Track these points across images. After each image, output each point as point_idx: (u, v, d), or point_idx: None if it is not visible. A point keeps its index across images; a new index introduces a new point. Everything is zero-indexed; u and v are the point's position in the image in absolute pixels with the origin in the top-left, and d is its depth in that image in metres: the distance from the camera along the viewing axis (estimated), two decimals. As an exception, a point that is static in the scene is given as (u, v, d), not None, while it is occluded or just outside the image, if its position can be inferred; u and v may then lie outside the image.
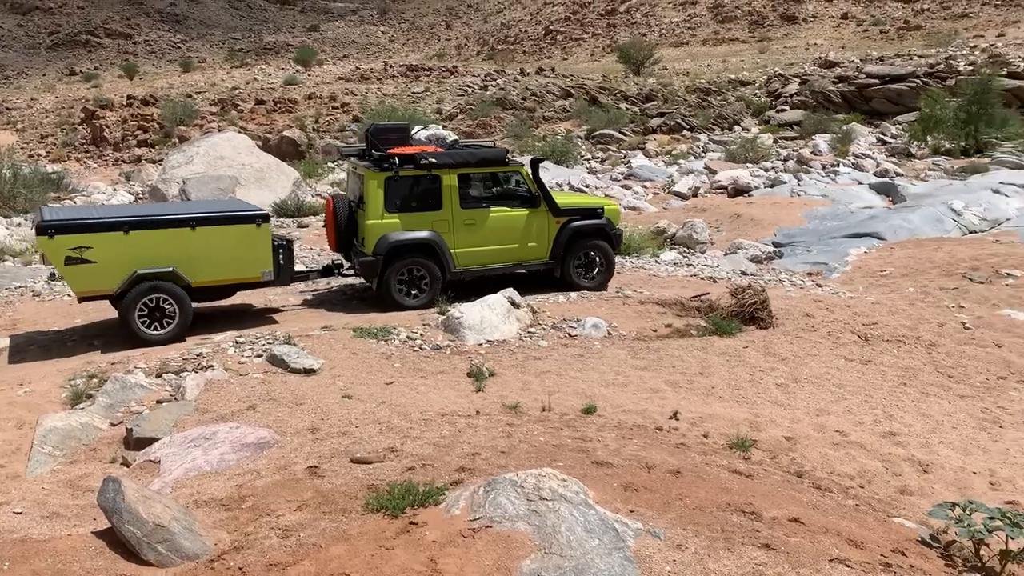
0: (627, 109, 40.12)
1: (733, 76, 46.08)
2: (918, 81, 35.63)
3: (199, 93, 47.64)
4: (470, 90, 44.35)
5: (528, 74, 48.62)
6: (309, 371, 7.55)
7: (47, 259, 9.00)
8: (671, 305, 10.51)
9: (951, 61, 39.21)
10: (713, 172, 24.92)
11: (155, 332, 9.14)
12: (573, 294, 10.99)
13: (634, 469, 5.25)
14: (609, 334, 9.27)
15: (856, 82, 37.70)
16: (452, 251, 10.47)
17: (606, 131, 35.33)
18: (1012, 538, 4.46)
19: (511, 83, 45.10)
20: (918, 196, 18.00)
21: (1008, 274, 12.15)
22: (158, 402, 6.82)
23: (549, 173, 23.39)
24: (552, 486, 4.38)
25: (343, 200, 10.94)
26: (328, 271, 11.18)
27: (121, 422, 6.47)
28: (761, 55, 60.91)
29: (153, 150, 36.64)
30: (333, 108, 41.71)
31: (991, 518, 4.54)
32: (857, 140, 30.15)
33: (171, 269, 9.17)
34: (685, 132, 36.49)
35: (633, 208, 20.57)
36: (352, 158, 11.30)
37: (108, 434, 6.33)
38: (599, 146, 34.14)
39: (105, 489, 4.45)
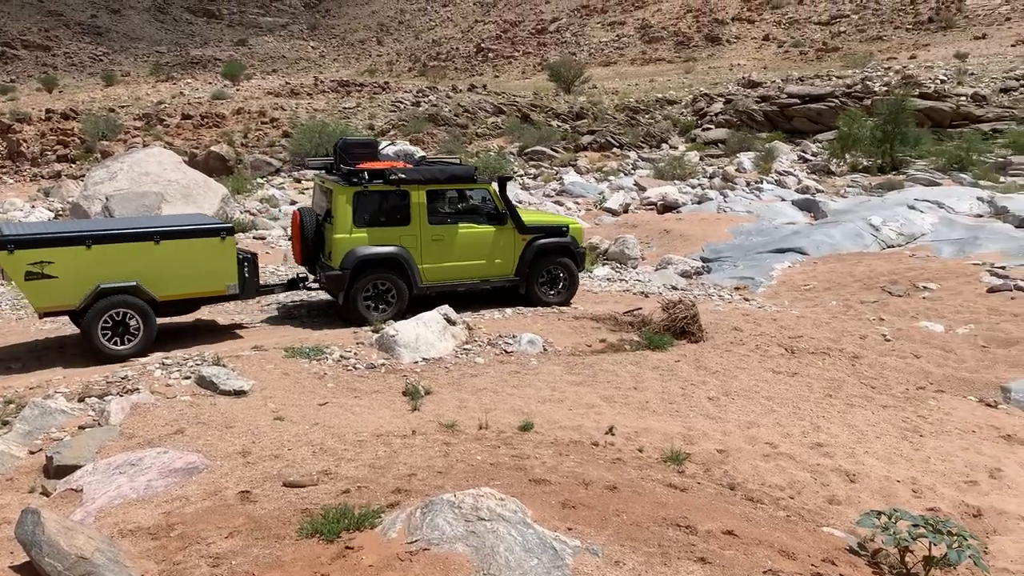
0: (558, 126, 40.56)
1: (660, 95, 47.05)
2: (836, 101, 36.96)
3: (123, 107, 46.33)
4: (402, 106, 44.23)
5: (460, 91, 48.76)
6: (239, 393, 7.38)
7: (6, 275, 8.81)
8: (605, 320, 10.62)
9: (867, 82, 40.84)
10: (643, 189, 25.35)
11: (119, 347, 9.01)
12: (508, 310, 11.02)
13: (572, 486, 5.27)
14: (545, 350, 9.31)
15: (778, 102, 38.91)
16: (419, 266, 10.52)
17: (538, 148, 35.63)
18: (934, 544, 4.62)
19: (443, 99, 45.15)
20: (838, 212, 18.62)
21: (924, 287, 12.65)
22: (80, 428, 6.57)
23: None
24: (490, 506, 4.37)
25: (310, 213, 10.82)
26: (293, 284, 11.12)
27: (40, 449, 6.21)
28: (687, 75, 62.42)
29: (74, 165, 35.41)
30: (262, 123, 41.05)
31: (915, 525, 4.70)
32: (779, 158, 31.07)
33: (135, 283, 9.07)
34: (615, 149, 37.05)
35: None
36: (319, 172, 11.26)
37: (26, 462, 6.06)
38: (531, 163, 34.40)
39: (23, 521, 4.25)
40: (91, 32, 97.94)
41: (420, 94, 47.13)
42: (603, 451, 6.37)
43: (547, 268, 11.33)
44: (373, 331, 9.42)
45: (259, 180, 30.26)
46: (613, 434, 6.72)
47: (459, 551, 4.08)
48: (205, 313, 10.91)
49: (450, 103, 43.99)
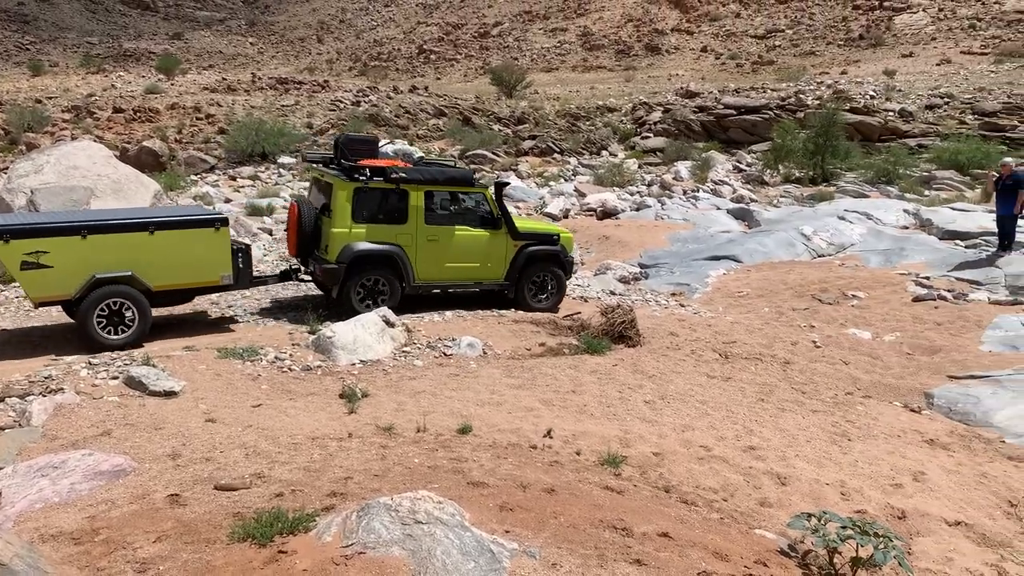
0: (500, 131, 40.61)
1: (601, 102, 47.52)
2: (771, 113, 37.82)
3: (51, 99, 44.73)
4: (342, 105, 43.71)
5: (401, 91, 48.44)
6: (170, 394, 7.19)
7: (1, 263, 8.84)
8: (544, 324, 10.67)
9: (800, 95, 41.92)
10: (583, 195, 25.55)
11: (114, 337, 9.06)
12: (449, 312, 10.98)
13: (509, 488, 5.26)
14: (485, 353, 9.30)
15: (715, 112, 39.64)
16: (413, 265, 10.68)
17: (480, 151, 35.61)
18: (862, 546, 4.74)
19: (384, 100, 44.79)
20: (771, 221, 19.06)
21: (853, 295, 13.03)
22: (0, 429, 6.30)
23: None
24: (427, 509, 4.33)
25: (308, 206, 10.84)
26: (286, 276, 11.18)
27: (-45, 452, 5.93)
28: (627, 83, 63.18)
29: (-5, 157, 34.06)
30: (197, 119, 40.08)
31: (843, 527, 4.82)
32: (715, 167, 31.66)
33: (130, 273, 9.13)
34: (556, 155, 37.26)
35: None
36: (317, 165, 11.34)
37: (-61, 466, 5.78)
38: (472, 166, 34.35)
39: (-64, 527, 4.05)
40: (17, 20, 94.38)
41: (360, 94, 46.68)
42: (541, 454, 6.38)
43: (537, 275, 11.53)
44: (309, 332, 9.28)
45: (193, 177, 29.55)
46: (551, 437, 6.75)
47: (395, 554, 4.04)
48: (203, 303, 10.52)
49: (391, 104, 43.67)
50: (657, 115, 42.04)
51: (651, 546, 4.50)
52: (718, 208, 22.36)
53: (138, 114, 40.57)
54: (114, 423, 6.43)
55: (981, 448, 7.78)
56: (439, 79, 76.65)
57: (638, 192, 27.12)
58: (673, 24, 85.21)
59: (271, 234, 17.52)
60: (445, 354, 9.09)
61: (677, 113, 41.03)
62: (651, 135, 39.71)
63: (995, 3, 75.27)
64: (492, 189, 11.41)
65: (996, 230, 14.86)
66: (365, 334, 8.83)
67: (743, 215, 20.67)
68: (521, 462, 6.04)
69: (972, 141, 30.62)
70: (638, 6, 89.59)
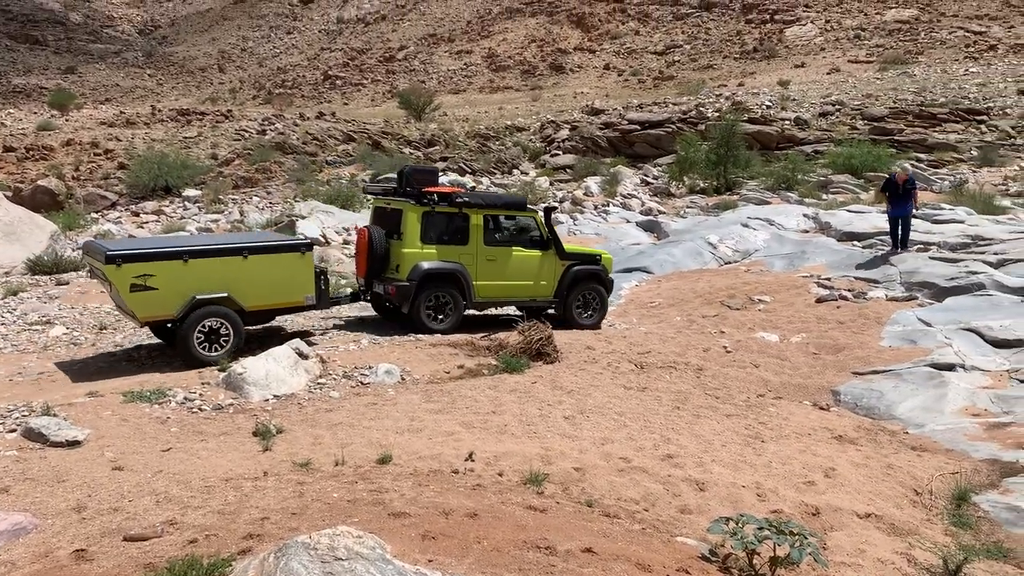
0: (411, 154, 40.52)
1: (510, 122, 47.98)
2: (673, 126, 38.89)
3: (-68, 140, 42.50)
4: (247, 134, 42.90)
5: (308, 118, 47.84)
6: (73, 443, 6.86)
7: (114, 287, 9.45)
8: (462, 346, 10.64)
9: (701, 108, 43.24)
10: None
11: (212, 354, 9.77)
12: (364, 340, 10.85)
13: (432, 516, 5.21)
14: (403, 379, 9.21)
15: (620, 128, 40.52)
16: (474, 283, 11.46)
17: (391, 175, 35.42)
18: (778, 545, 4.87)
19: (290, 127, 44.15)
20: (679, 232, 19.55)
21: (759, 300, 13.45)
22: None
23: (335, 217, 23.13)
24: (347, 544, 4.24)
25: (378, 231, 11.55)
26: (355, 297, 12.06)
27: None
28: (534, 103, 64.03)
29: None
30: (95, 155, 38.68)
31: (760, 528, 4.95)
32: (624, 182, 32.33)
33: (226, 294, 9.87)
34: (468, 176, 37.40)
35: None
36: (381, 196, 12.28)
37: None
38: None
39: None
40: None
41: (266, 122, 45.90)
42: (463, 478, 6.34)
43: (582, 292, 12.21)
44: (219, 370, 9.03)
45: (93, 215, 28.48)
46: (473, 460, 6.71)
47: (315, 594, 3.94)
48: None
49: (298, 131, 43.08)
50: (565, 133, 42.69)
51: (575, 563, 4.52)
52: (628, 221, 22.82)
53: (31, 152, 38.91)
54: (12, 479, 6.10)
55: (886, 440, 8.11)
56: (346, 104, 76.08)
57: (550, 209, 27.40)
58: (575, 43, 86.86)
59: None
60: (362, 383, 8.96)
61: (584, 130, 41.76)
62: (560, 152, 40.29)
63: (877, 14, 79.44)
64: (542, 213, 12.18)
65: (889, 230, 15.59)
66: (278, 368, 8.64)
67: (652, 227, 21.14)
68: (443, 488, 5.99)
69: (863, 146, 32.13)
70: (540, 27, 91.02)
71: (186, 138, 42.53)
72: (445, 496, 5.76)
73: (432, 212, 11.22)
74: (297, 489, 5.90)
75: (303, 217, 22.50)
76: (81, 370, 10.04)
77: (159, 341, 11.22)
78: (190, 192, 31.81)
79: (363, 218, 25.00)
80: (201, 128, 45.82)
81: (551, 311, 12.16)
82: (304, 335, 11.21)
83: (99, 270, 9.82)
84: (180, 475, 6.20)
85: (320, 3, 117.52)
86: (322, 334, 11.41)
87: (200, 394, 8.41)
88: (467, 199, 11.48)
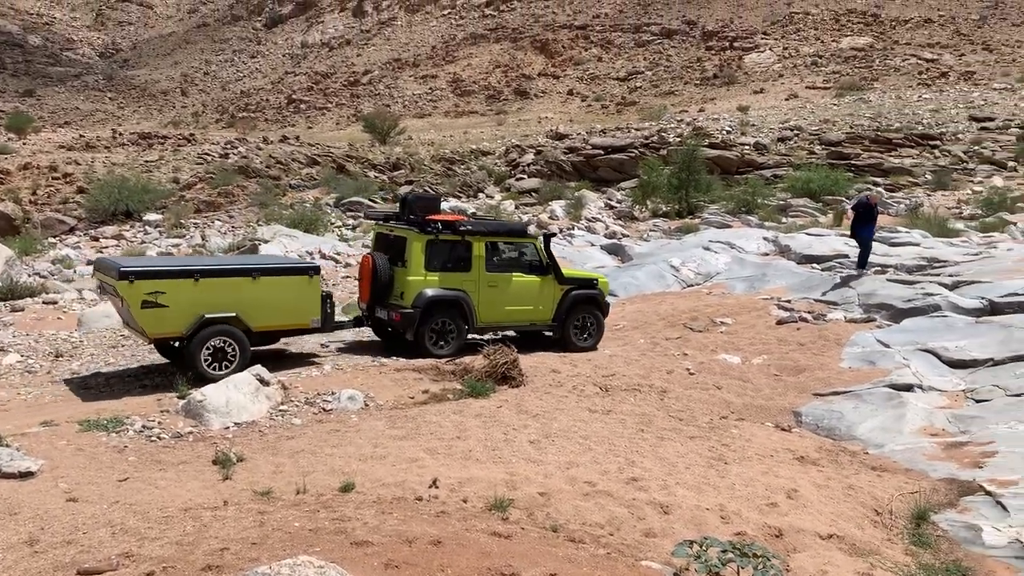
0: (375, 177, 40.48)
1: (475, 146, 48.21)
2: (636, 151, 39.35)
3: None
4: (210, 158, 42.55)
5: (272, 142, 47.62)
6: (26, 475, 6.68)
7: (125, 302, 9.54)
8: (427, 370, 10.59)
9: (663, 133, 43.85)
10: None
11: (218, 372, 9.81)
12: (327, 366, 10.75)
13: (395, 545, 5.15)
14: (366, 405, 9.13)
15: (584, 152, 40.89)
16: (476, 309, 11.62)
17: (356, 199, 35.34)
18: (742, 567, 4.88)
19: (254, 151, 43.88)
20: (642, 255, 19.71)
21: (721, 322, 13.58)
22: None
23: (299, 241, 22.96)
24: (308, 575, 4.18)
25: (383, 258, 11.68)
26: (359, 322, 12.16)
27: None
28: (499, 127, 64.45)
29: None
30: (54, 179, 38.04)
31: (724, 551, 4.95)
32: (588, 205, 32.57)
33: (234, 314, 10.01)
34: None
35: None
36: (386, 222, 12.35)
37: None
38: (349, 213, 34.04)
39: None
40: None
41: (229, 145, 45.59)
42: (427, 505, 6.28)
43: (579, 316, 12.40)
44: (179, 397, 8.88)
45: (51, 239, 27.97)
46: (437, 487, 6.66)
47: (275, 627, 3.86)
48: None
49: (261, 154, 42.83)
50: (530, 157, 42.97)
51: (539, 589, 4.50)
52: (593, 244, 22.95)
53: (-14, 176, 38.16)
54: (-39, 513, 5.92)
55: (847, 461, 8.21)
56: (310, 128, 75.92)
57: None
58: (540, 69, 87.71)
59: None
60: (325, 410, 8.86)
61: (548, 154, 42.07)
62: (525, 176, 40.51)
63: (833, 41, 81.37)
64: (542, 239, 12.39)
65: (848, 252, 15.87)
66: (238, 395, 8.51)
67: (616, 250, 21.29)
68: (407, 516, 5.93)
69: (821, 170, 32.77)
70: (505, 52, 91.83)
71: (147, 162, 42.06)
72: (409, 524, 5.70)
73: (436, 240, 11.37)
74: (258, 518, 5.79)
75: (266, 241, 22.30)
76: (35, 398, 9.81)
77: (117, 369, 11.02)
78: (151, 216, 31.41)
79: (326, 242, 24.89)
80: (163, 152, 45.37)
81: (554, 335, 12.38)
82: (310, 357, 11.47)
83: (110, 286, 9.93)
84: (137, 505, 6.07)
85: (284, 27, 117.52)
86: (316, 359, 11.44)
87: (159, 422, 8.26)
88: (470, 227, 11.67)
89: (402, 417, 8.60)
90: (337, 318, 11.93)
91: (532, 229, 14.46)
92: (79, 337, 12.59)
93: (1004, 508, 6.86)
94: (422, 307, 11.19)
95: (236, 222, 31.85)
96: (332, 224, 30.43)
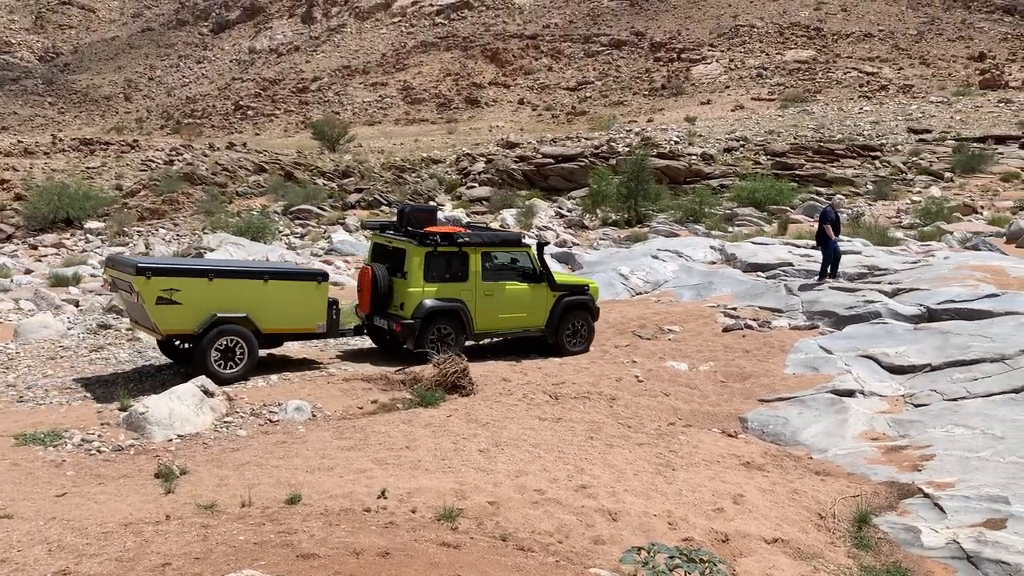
0: (324, 185, 40.09)
1: (425, 154, 48.05)
2: (586, 160, 39.63)
3: None
4: (154, 165, 41.73)
5: (218, 149, 46.87)
6: (-44, 492, 6.46)
7: (141, 297, 9.72)
8: (376, 380, 10.51)
9: (612, 143, 44.28)
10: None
11: (227, 371, 10.14)
12: (274, 376, 10.60)
13: (342, 557, 5.10)
14: (314, 416, 9.02)
15: (534, 161, 41.05)
16: (473, 317, 11.88)
17: (304, 206, 34.96)
18: (689, 573, 4.93)
19: (199, 158, 43.14)
20: (592, 263, 19.84)
21: (669, 329, 13.73)
22: None
23: (245, 250, 22.62)
24: (252, 589, 4.11)
25: (381, 269, 11.87)
26: (359, 330, 12.37)
27: None
28: (450, 135, 64.35)
29: None
30: (-11, 185, 36.93)
31: (671, 557, 4.99)
32: (539, 214, 32.70)
33: (245, 315, 10.26)
34: (384, 208, 37.20)
35: (336, 284, 20.40)
36: (383, 232, 12.55)
37: None
38: (297, 221, 33.66)
39: None
40: None
41: (174, 152, 44.79)
42: (375, 516, 6.23)
43: (572, 321, 12.72)
44: (120, 409, 8.67)
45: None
46: (386, 497, 6.60)
47: (218, 644, 3.79)
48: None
49: (207, 161, 42.12)
50: (480, 165, 42.98)
51: (488, 599, 4.48)
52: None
53: (-83, 182, 36.88)
54: None
55: (792, 466, 8.35)
56: (258, 135, 74.92)
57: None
58: (490, 78, 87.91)
59: (77, 305, 16.29)
60: (271, 421, 8.73)
61: (499, 163, 42.15)
62: (476, 185, 40.50)
63: (778, 54, 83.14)
64: (535, 248, 12.69)
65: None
66: (182, 406, 8.34)
67: (567, 259, 21.40)
68: (355, 527, 5.87)
69: (767, 180, 33.42)
70: (455, 61, 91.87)
71: (89, 168, 41.10)
72: (356, 535, 5.64)
73: (435, 252, 11.61)
74: (201, 532, 5.68)
75: (211, 249, 21.93)
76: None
77: (56, 381, 10.71)
78: (93, 224, 30.72)
79: (274, 250, 24.56)
80: (105, 158, 44.37)
81: (548, 341, 12.64)
82: (312, 363, 11.64)
83: (125, 282, 10.18)
84: (75, 521, 5.91)
85: (232, 33, 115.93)
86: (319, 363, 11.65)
87: (99, 435, 8.05)
88: (467, 239, 11.93)
89: (350, 427, 8.52)
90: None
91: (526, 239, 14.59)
92: (15, 348, 12.21)
93: (942, 510, 7.05)
94: (422, 317, 11.43)
95: (181, 230, 31.30)
96: (280, 232, 30.07)
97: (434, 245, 11.58)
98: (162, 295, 9.74)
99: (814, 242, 16.62)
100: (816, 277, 15.68)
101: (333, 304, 11.36)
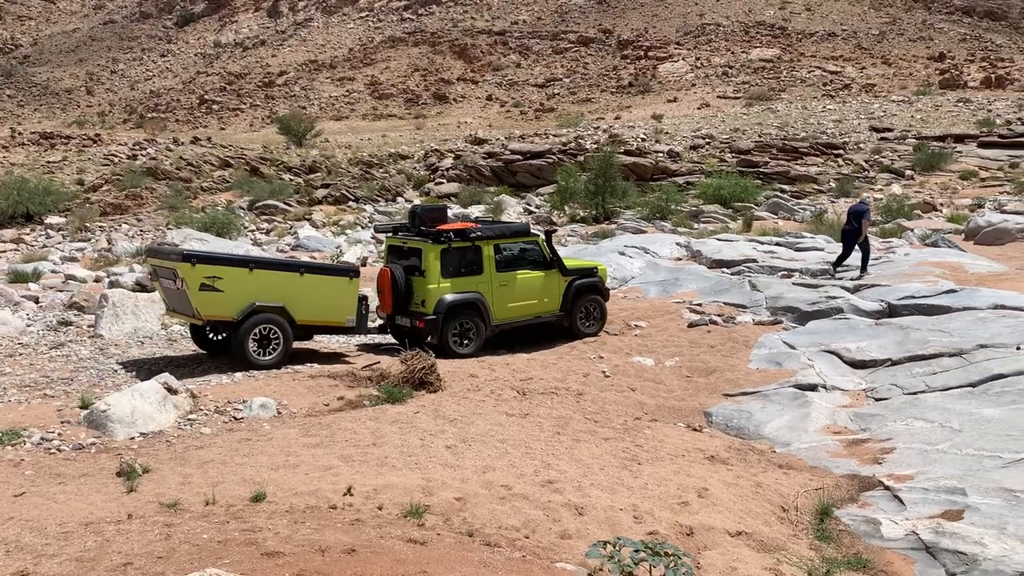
0: (291, 180, 39.69)
1: (393, 150, 47.83)
2: (554, 157, 39.71)
3: None
4: (117, 159, 41.02)
5: (182, 143, 46.19)
6: (-90, 493, 6.32)
7: (185, 283, 10.19)
8: (343, 377, 10.46)
9: (580, 140, 44.42)
10: (380, 242, 25.45)
11: (263, 358, 10.70)
12: (238, 374, 10.51)
13: (307, 555, 5.07)
14: (279, 413, 8.95)
15: (503, 158, 41.04)
16: (491, 308, 12.31)
17: (270, 202, 34.59)
18: (654, 566, 4.98)
19: (163, 152, 42.49)
20: (561, 260, 19.86)
21: (636, 325, 13.82)
22: None
23: (210, 245, 22.33)
24: (216, 587, 4.08)
25: (399, 269, 12.29)
26: (383, 328, 12.90)
27: None
28: (418, 131, 64.16)
29: None
30: (-56, 179, 36.06)
31: (636, 551, 5.04)
32: (507, 210, 32.69)
33: (282, 305, 10.81)
34: (351, 203, 36.94)
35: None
36: (396, 234, 13.00)
37: None
38: (263, 217, 33.29)
39: None
40: None
41: (137, 147, 44.04)
42: (341, 514, 6.20)
43: (584, 304, 13.26)
44: (81, 407, 8.53)
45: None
46: (352, 494, 6.57)
47: (180, 643, 3.75)
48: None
49: (171, 156, 41.50)
50: (449, 161, 42.89)
51: (454, 595, 4.49)
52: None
53: None
54: None
55: (755, 459, 8.46)
56: (223, 129, 74.08)
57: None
58: (459, 74, 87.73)
59: (37, 302, 15.99)
60: (235, 418, 8.65)
61: (468, 159, 42.09)
62: (444, 181, 40.40)
63: (743, 53, 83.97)
64: (543, 236, 13.17)
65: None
66: (144, 404, 8.23)
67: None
68: (320, 525, 5.84)
69: (732, 177, 33.71)
70: (423, 56, 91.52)
71: (49, 162, 40.33)
72: (322, 533, 5.62)
73: (449, 248, 12.07)
74: (164, 531, 5.62)
75: (176, 245, 21.62)
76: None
77: (15, 379, 10.51)
78: (53, 219, 30.14)
79: (239, 246, 24.30)
80: (66, 152, 43.55)
81: (564, 324, 13.12)
82: (339, 356, 12.05)
83: (168, 269, 10.66)
84: (34, 521, 5.81)
85: (196, 26, 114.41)
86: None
87: (59, 433, 7.92)
88: (479, 233, 12.42)
89: (316, 424, 8.47)
90: None
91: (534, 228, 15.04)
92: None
93: (901, 502, 7.19)
94: (443, 312, 11.85)
95: (144, 225, 30.83)
96: (245, 228, 29.73)
97: (448, 242, 12.03)
98: (205, 282, 10.20)
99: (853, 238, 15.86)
100: (858, 271, 15.68)
101: (363, 300, 11.74)
